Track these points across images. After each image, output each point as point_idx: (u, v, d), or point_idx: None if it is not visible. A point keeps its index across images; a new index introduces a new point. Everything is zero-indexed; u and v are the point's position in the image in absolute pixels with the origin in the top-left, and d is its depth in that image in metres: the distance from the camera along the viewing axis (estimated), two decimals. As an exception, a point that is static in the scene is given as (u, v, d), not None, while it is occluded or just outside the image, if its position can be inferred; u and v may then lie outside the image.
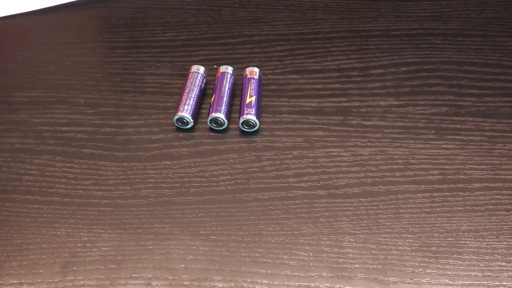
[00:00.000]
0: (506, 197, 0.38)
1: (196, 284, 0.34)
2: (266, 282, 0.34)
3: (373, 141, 0.42)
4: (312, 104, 0.45)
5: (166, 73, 0.48)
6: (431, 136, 0.42)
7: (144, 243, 0.36)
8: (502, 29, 0.51)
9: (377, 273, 0.35)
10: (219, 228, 0.37)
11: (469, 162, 0.41)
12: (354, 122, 0.44)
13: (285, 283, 0.34)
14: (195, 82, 0.45)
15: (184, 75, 0.48)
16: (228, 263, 0.35)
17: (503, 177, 0.40)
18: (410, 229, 0.37)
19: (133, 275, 0.34)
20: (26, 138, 0.43)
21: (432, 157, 0.41)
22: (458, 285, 0.34)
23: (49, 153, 0.42)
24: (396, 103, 0.45)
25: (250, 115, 0.42)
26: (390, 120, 0.44)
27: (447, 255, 0.35)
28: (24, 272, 0.35)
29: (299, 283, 0.34)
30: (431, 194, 0.39)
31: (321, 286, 0.34)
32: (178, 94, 0.46)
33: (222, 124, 0.43)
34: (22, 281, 0.34)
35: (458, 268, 0.35)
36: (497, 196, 0.38)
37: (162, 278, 0.34)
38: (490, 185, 0.39)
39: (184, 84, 0.45)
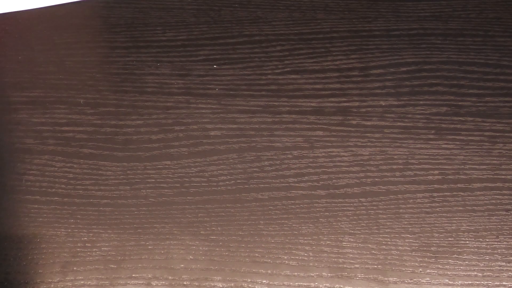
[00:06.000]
0: (506, 197, 0.38)
1: (196, 284, 0.34)
2: (266, 282, 0.34)
3: (373, 141, 0.42)
4: (312, 104, 0.45)
5: (166, 73, 0.48)
6: (431, 136, 0.42)
7: (144, 243, 0.36)
8: (502, 29, 0.51)
9: (377, 273, 0.35)
10: (219, 228, 0.37)
11: (469, 162, 0.41)
12: (354, 122, 0.44)
13: (285, 283, 0.34)
14: None
15: (184, 75, 0.48)
16: (228, 263, 0.35)
17: (503, 177, 0.40)
18: (410, 229, 0.37)
19: (133, 275, 0.34)
20: (26, 138, 0.43)
21: (432, 157, 0.41)
22: (458, 285, 0.34)
23: (49, 153, 0.42)
24: (396, 103, 0.45)
25: None
26: (390, 120, 0.44)
27: (447, 255, 0.35)
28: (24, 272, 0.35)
29: (299, 283, 0.34)
30: (431, 194, 0.39)
31: (321, 286, 0.34)
32: (178, 94, 0.46)
33: None
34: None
35: (458, 268, 0.35)
36: (497, 196, 0.38)
37: (162, 278, 0.34)
38: (490, 185, 0.39)
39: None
